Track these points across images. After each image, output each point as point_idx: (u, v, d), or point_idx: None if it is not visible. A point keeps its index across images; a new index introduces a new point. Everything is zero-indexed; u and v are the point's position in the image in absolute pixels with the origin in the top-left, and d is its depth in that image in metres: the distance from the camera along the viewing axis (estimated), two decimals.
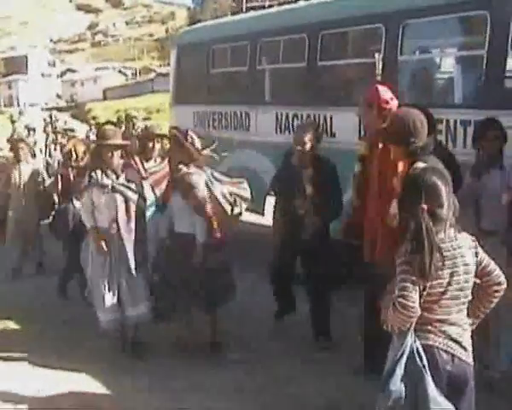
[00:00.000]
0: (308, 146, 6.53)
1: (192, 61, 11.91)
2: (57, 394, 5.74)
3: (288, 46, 9.56)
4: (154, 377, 6.05)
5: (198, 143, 6.53)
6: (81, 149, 8.59)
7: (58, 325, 7.42)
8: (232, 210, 6.57)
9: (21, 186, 9.71)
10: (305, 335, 6.80)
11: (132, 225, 6.50)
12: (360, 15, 8.03)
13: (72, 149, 8.58)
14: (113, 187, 6.45)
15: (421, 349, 3.41)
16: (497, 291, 3.60)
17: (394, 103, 5.68)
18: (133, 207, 6.52)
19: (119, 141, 6.64)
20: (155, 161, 7.49)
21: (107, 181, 6.45)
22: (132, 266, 6.44)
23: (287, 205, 6.82)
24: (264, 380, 5.99)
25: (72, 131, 16.74)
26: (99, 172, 6.47)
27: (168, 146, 7.49)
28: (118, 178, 6.51)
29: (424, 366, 3.37)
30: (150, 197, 7.08)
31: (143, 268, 6.58)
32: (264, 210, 9.58)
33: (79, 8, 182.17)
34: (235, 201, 6.58)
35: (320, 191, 6.52)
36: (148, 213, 7.02)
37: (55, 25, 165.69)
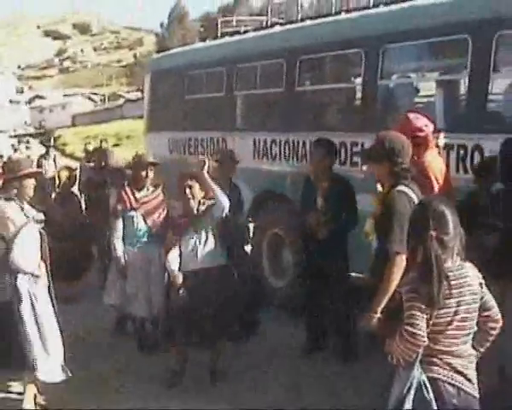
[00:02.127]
0: (317, 161, 6.77)
1: (166, 87, 11.79)
2: None
3: (265, 72, 9.50)
4: None
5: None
6: (65, 174, 8.21)
7: None
8: None
9: None
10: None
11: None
12: (339, 40, 7.99)
13: (56, 176, 8.08)
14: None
15: (427, 382, 3.32)
16: (493, 329, 3.53)
17: (429, 129, 5.40)
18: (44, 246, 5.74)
19: (34, 169, 6.03)
20: (147, 189, 7.27)
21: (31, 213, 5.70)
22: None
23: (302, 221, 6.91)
24: None
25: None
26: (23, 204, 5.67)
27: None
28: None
29: (431, 400, 3.28)
30: (142, 228, 7.01)
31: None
32: None
33: (47, 34, 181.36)
34: None
35: (332, 205, 6.58)
36: (139, 245, 7.01)
37: (23, 51, 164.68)
